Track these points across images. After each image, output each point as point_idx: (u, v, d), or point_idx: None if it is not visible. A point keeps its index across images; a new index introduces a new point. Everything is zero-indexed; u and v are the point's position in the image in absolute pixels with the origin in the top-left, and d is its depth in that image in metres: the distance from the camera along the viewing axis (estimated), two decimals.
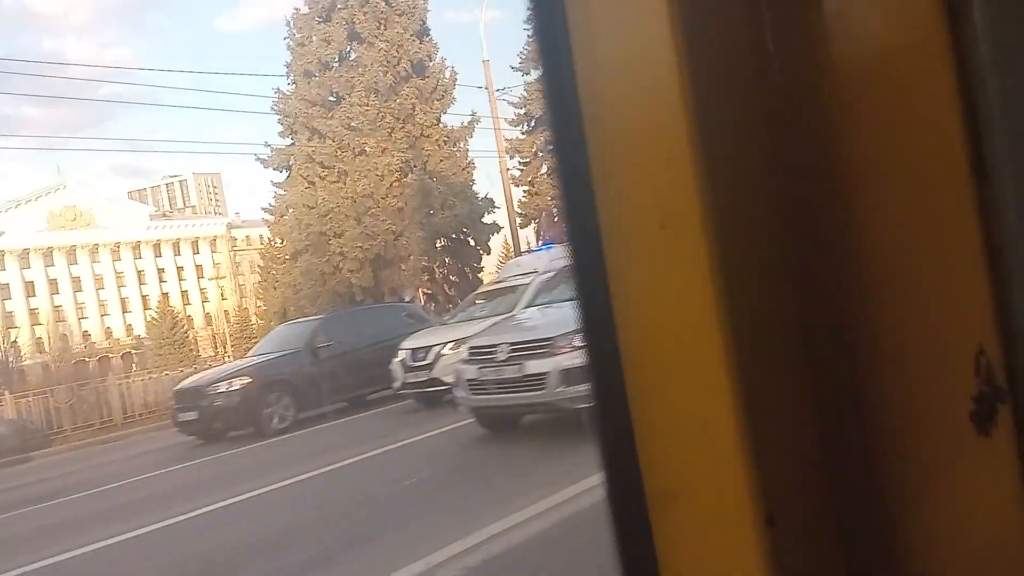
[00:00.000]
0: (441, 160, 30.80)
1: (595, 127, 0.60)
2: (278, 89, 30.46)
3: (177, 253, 77.75)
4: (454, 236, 31.89)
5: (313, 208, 30.11)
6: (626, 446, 0.60)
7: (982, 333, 0.53)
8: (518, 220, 44.84)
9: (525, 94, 41.63)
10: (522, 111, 41.32)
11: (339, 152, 29.60)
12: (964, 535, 0.57)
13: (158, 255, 78.03)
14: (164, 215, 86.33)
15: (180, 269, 78.18)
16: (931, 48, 0.54)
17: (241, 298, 67.85)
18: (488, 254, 34.33)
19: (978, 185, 0.53)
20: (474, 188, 32.41)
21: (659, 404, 0.59)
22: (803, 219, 0.61)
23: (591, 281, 0.62)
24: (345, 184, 29.65)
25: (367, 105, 29.46)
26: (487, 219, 31.63)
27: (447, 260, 33.11)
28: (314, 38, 29.94)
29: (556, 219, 42.96)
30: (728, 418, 0.56)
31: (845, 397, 0.60)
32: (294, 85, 30.56)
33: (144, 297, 75.70)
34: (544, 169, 41.14)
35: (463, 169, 31.80)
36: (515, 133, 41.21)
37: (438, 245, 31.83)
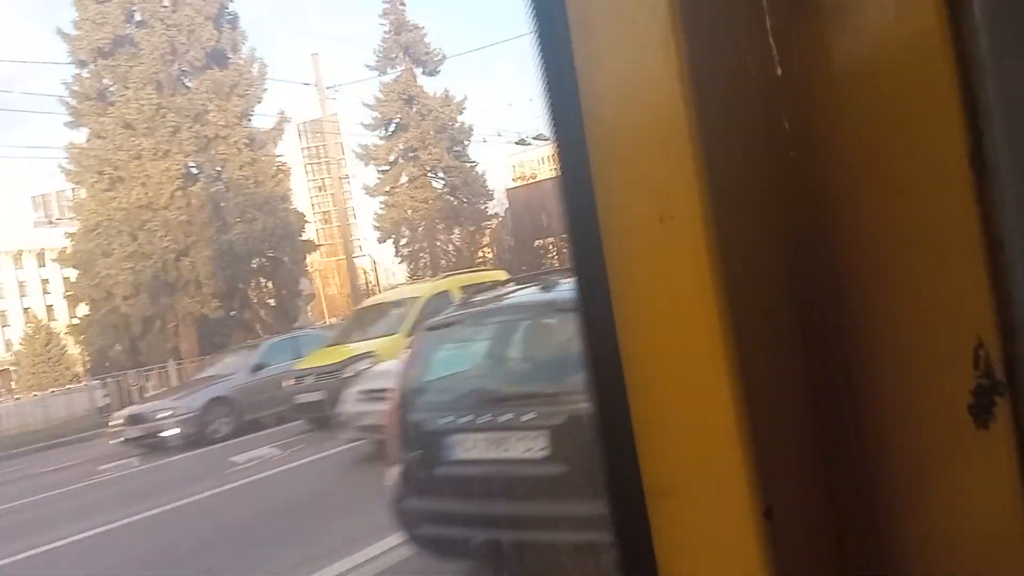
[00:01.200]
0: (241, 167, 26.23)
1: (594, 121, 0.60)
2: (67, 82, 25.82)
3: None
4: (271, 254, 27.25)
5: (82, 220, 25.40)
6: (624, 440, 0.60)
7: (981, 326, 0.54)
8: (376, 235, 39.85)
9: (380, 95, 37.17)
10: (378, 114, 36.69)
11: (115, 154, 24.89)
12: (962, 528, 0.57)
13: (41, 265, 72.23)
14: (51, 222, 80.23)
15: (67, 280, 72.61)
16: (930, 41, 0.54)
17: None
18: (304, 275, 29.97)
19: (977, 178, 0.53)
20: (288, 199, 27.94)
21: (657, 398, 0.59)
22: (802, 212, 0.61)
23: (590, 274, 0.62)
24: (118, 193, 24.92)
25: (143, 100, 24.82)
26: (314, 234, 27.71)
27: (263, 281, 28.54)
28: (88, 20, 25.29)
29: (421, 230, 38.04)
30: (726, 412, 0.56)
31: (843, 390, 0.60)
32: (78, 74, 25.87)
33: (27, 310, 69.82)
34: (404, 178, 36.61)
35: (271, 177, 27.28)
36: (373, 138, 36.70)
37: (254, 264, 27.19)
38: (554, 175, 0.66)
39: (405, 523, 4.30)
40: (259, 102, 27.39)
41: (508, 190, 38.98)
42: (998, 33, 0.52)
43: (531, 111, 38.76)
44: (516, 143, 36.54)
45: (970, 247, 0.53)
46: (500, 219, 41.63)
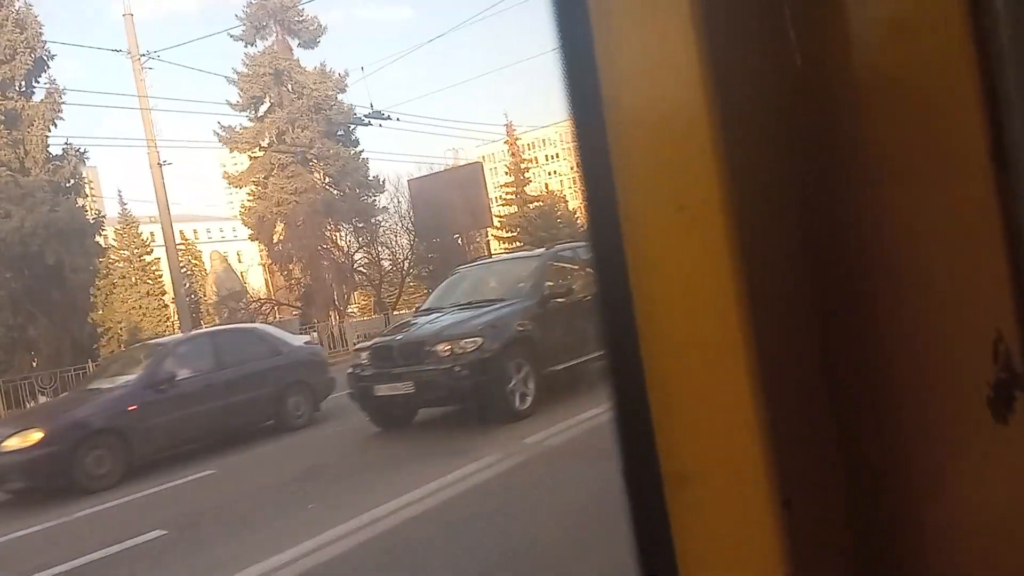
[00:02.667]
0: None
1: (613, 108, 0.60)
2: None
3: None
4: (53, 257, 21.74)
5: None
6: (643, 428, 0.60)
7: (1001, 319, 0.53)
8: (246, 232, 34.08)
9: (246, 69, 31.59)
10: (241, 91, 31.04)
11: None
12: (979, 521, 0.57)
13: None
14: None
15: None
16: (950, 34, 0.53)
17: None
18: (94, 284, 24.57)
19: (997, 171, 0.52)
20: (69, 192, 22.47)
21: (676, 386, 0.59)
22: (821, 203, 0.60)
23: (609, 263, 0.62)
24: None
25: None
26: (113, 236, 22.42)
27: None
28: None
29: (301, 226, 32.29)
30: (745, 401, 0.56)
31: (861, 382, 0.60)
32: None
33: None
34: (277, 168, 31.02)
35: (42, 165, 21.81)
36: (241, 120, 31.14)
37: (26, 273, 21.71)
38: (575, 164, 0.75)
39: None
40: (27, 69, 21.94)
41: (411, 181, 33.79)
42: (1020, 24, 0.52)
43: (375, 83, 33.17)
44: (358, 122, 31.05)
45: (990, 240, 0.53)
46: (400, 212, 36.35)
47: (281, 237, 33.10)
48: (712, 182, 0.56)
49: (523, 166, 45.30)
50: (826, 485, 0.60)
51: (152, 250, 48.07)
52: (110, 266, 44.20)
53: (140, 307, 41.75)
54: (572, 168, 48.23)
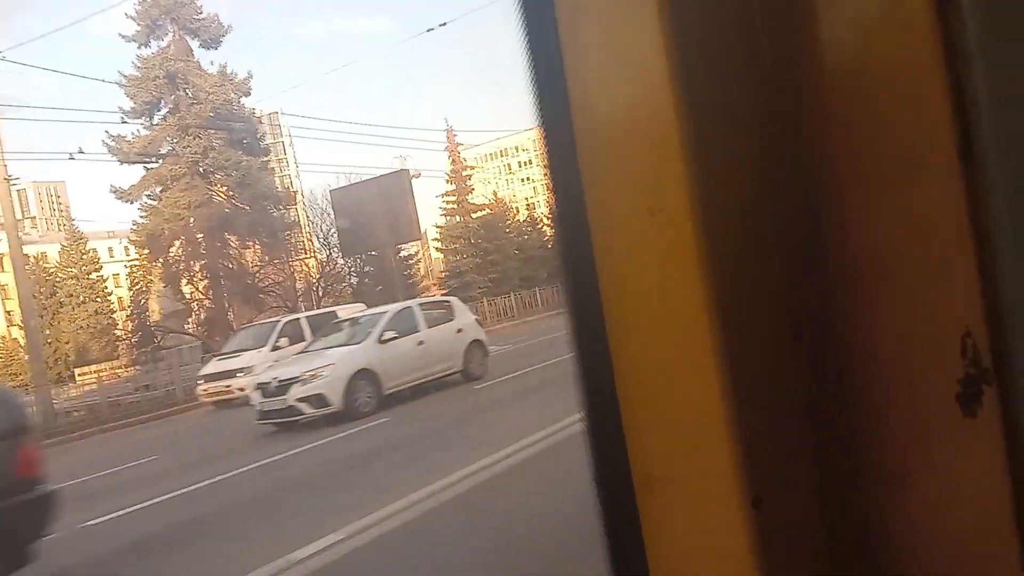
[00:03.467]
0: None
1: (582, 113, 0.60)
2: None
3: None
4: None
5: None
6: (613, 431, 0.60)
7: (969, 315, 0.54)
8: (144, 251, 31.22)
9: (136, 72, 28.77)
10: (133, 94, 28.24)
11: None
12: (949, 515, 0.57)
13: None
14: None
15: None
16: (919, 31, 0.54)
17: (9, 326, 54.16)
18: None
19: (966, 169, 0.53)
20: None
21: (647, 390, 0.60)
22: (792, 203, 0.61)
23: (579, 266, 0.62)
24: None
25: None
26: None
27: None
28: None
29: (198, 243, 29.24)
30: (715, 402, 0.56)
31: (832, 380, 0.60)
32: None
33: None
34: (184, 179, 28.20)
35: None
36: (136, 128, 28.31)
37: None
38: (543, 169, 0.65)
39: None
40: None
41: (332, 191, 31.06)
42: (986, 23, 0.52)
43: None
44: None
45: (958, 237, 0.53)
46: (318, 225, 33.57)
47: (179, 255, 30.27)
48: (683, 186, 0.56)
49: (465, 173, 42.53)
50: (796, 483, 0.60)
51: (101, 267, 45.86)
52: (56, 285, 41.51)
53: (88, 326, 40.03)
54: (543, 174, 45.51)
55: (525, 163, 72.99)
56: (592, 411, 0.63)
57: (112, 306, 40.23)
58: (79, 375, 36.76)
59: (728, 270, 0.57)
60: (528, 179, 58.24)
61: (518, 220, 46.82)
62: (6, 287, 38.16)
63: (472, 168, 42.57)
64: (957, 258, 0.53)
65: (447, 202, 41.09)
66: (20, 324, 26.63)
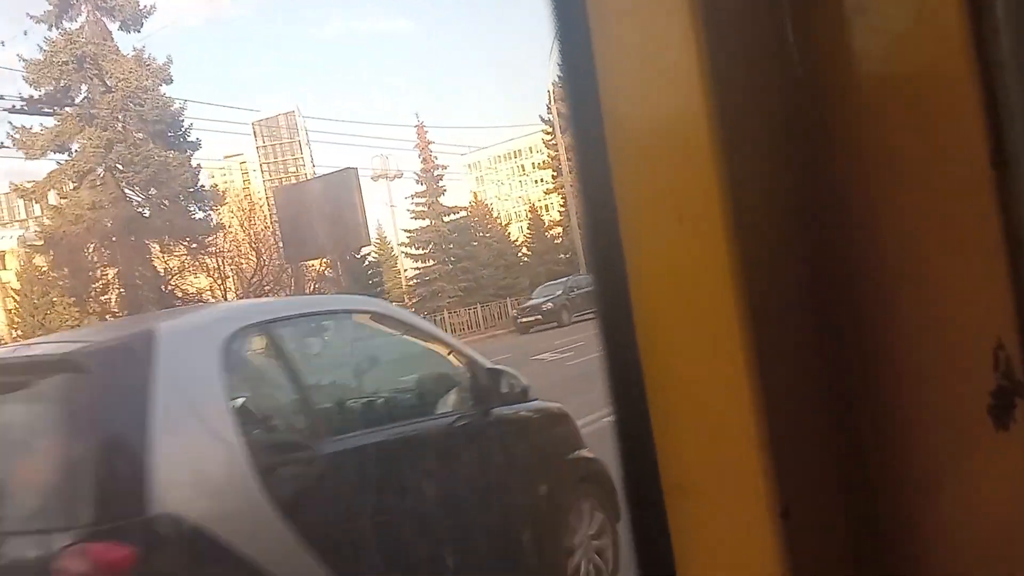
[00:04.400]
0: None
1: (613, 119, 0.60)
2: None
3: None
4: None
5: None
6: (644, 439, 0.60)
7: (1001, 326, 0.53)
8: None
9: (40, 56, 25.67)
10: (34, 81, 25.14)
11: None
12: (979, 529, 0.57)
13: None
14: None
15: None
16: (951, 39, 0.53)
17: None
18: None
19: (998, 177, 0.53)
20: None
21: (676, 397, 0.60)
22: (821, 212, 0.61)
23: (609, 274, 0.62)
24: None
25: None
26: None
27: None
28: None
29: (110, 247, 25.99)
30: (745, 411, 0.56)
31: (861, 391, 0.60)
32: None
33: None
34: (90, 176, 25.12)
35: None
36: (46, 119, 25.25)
37: None
38: (574, 176, 0.61)
39: None
40: None
41: (275, 191, 27.96)
42: (1020, 32, 0.52)
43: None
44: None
45: (991, 247, 0.53)
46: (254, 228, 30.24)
47: (89, 262, 27.13)
48: (712, 193, 0.56)
49: (437, 173, 38.92)
50: (825, 494, 0.60)
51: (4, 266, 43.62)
52: None
53: None
54: (552, 177, 41.25)
55: (539, 164, 69.59)
56: (622, 417, 0.63)
57: None
58: None
59: (758, 278, 0.57)
60: (541, 180, 54.52)
61: (500, 224, 43.28)
62: None
63: (444, 167, 39.05)
64: (989, 268, 0.53)
65: (416, 204, 37.73)
66: None
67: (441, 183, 38.21)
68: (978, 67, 0.52)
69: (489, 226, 42.44)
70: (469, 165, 63.98)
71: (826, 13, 0.58)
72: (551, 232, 44.37)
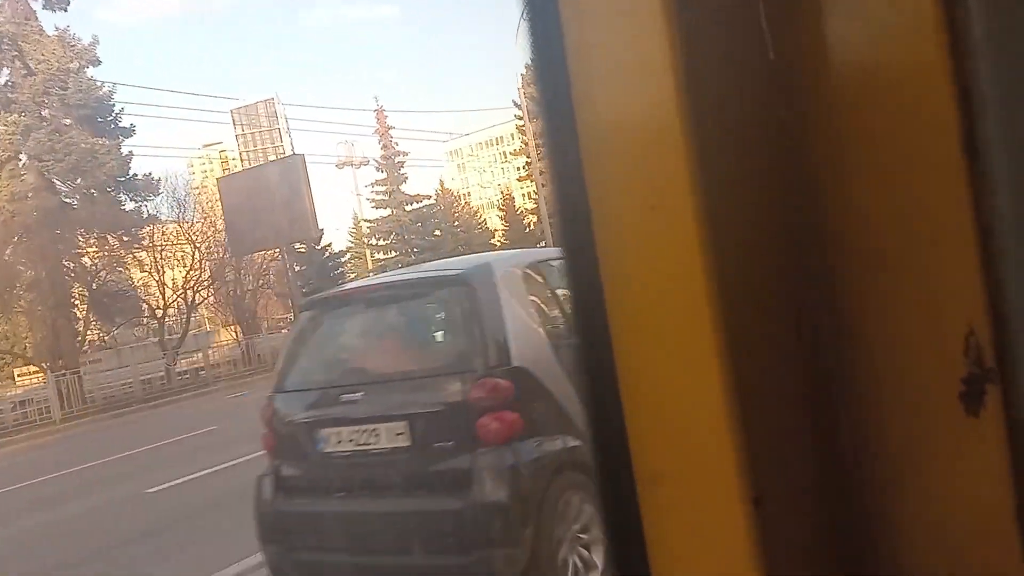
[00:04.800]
0: None
1: (585, 107, 0.60)
2: None
3: None
4: None
5: None
6: (616, 427, 0.60)
7: (973, 314, 0.54)
8: None
9: None
10: None
11: None
12: (952, 516, 0.57)
13: None
14: None
15: None
16: (925, 26, 0.53)
17: None
18: None
19: (970, 165, 0.53)
20: None
21: (648, 385, 0.59)
22: (794, 200, 0.61)
23: (581, 261, 0.62)
24: None
25: None
26: None
27: None
28: None
29: (29, 241, 24.50)
30: (717, 399, 0.56)
31: (834, 378, 0.60)
32: None
33: None
34: (9, 165, 23.57)
35: None
36: None
37: None
38: (545, 162, 0.66)
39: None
40: None
41: (220, 180, 26.33)
42: (993, 19, 0.52)
43: None
44: None
45: (962, 234, 0.53)
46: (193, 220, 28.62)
47: (8, 258, 25.51)
48: (684, 181, 0.56)
49: (398, 160, 37.14)
50: (797, 482, 0.60)
51: None
52: None
53: None
54: (525, 164, 39.85)
55: (514, 152, 68.64)
56: (594, 407, 0.62)
57: None
58: None
59: (729, 266, 0.57)
60: (520, 168, 53.13)
61: (469, 211, 41.52)
62: None
63: (405, 154, 37.24)
64: (961, 256, 0.53)
65: (378, 192, 35.97)
66: None
67: (403, 170, 36.73)
68: (951, 54, 0.52)
69: (457, 214, 40.86)
70: (450, 152, 62.34)
71: (800, 2, 0.58)
72: (525, 220, 42.96)
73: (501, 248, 41.48)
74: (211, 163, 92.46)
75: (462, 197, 44.77)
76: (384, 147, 36.26)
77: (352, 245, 37.55)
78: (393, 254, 36.09)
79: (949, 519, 0.56)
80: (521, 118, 39.88)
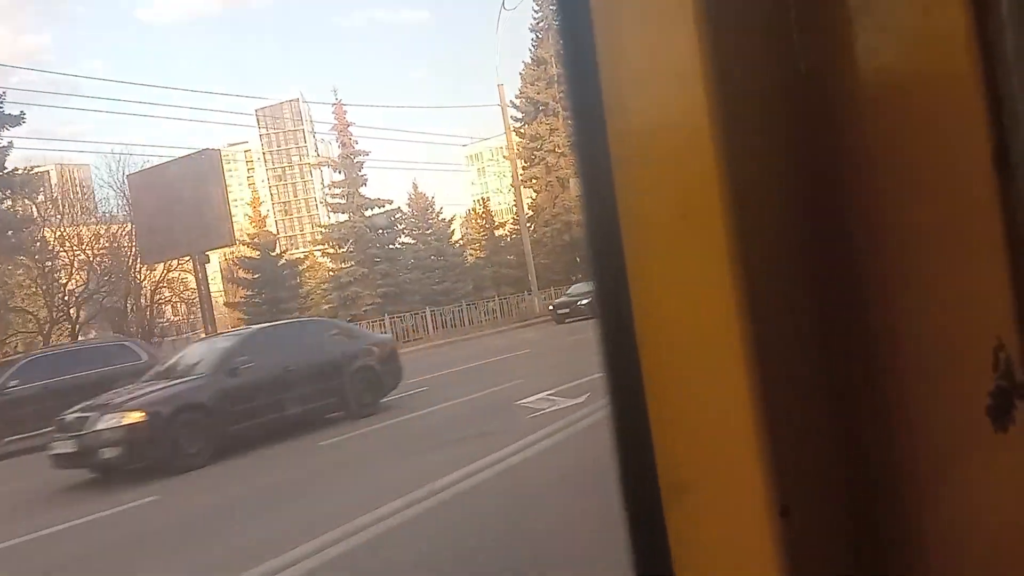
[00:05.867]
0: None
1: (616, 115, 0.60)
2: None
3: None
4: None
5: None
6: (641, 436, 0.60)
7: (1001, 327, 0.53)
8: None
9: None
10: None
11: None
12: (978, 530, 0.57)
13: None
14: None
15: None
16: (956, 40, 0.53)
17: None
18: None
19: (1000, 178, 0.53)
20: None
21: (675, 394, 0.59)
22: (823, 210, 0.60)
23: (610, 269, 0.62)
24: None
25: None
26: None
27: None
28: None
29: None
30: (744, 409, 0.56)
31: (861, 390, 0.60)
32: None
33: None
34: None
35: None
36: None
37: None
38: (576, 169, 0.65)
39: None
40: None
41: (130, 177, 25.26)
42: None
43: None
44: None
45: (992, 247, 0.53)
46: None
47: None
48: (714, 190, 0.56)
49: (357, 160, 36.10)
50: (825, 493, 0.60)
51: None
52: None
53: None
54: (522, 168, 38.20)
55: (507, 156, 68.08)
56: (620, 415, 0.62)
57: None
58: None
59: (758, 277, 0.56)
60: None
61: (441, 220, 40.42)
62: None
63: (365, 154, 36.11)
64: (990, 268, 0.53)
65: (335, 195, 34.88)
66: None
67: (362, 172, 35.57)
68: (982, 67, 0.52)
69: (430, 220, 39.70)
70: (469, 156, 61.07)
71: (831, 11, 0.58)
72: (501, 230, 41.84)
73: (475, 260, 40.56)
74: (234, 163, 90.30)
75: (479, 203, 42.28)
76: (343, 145, 35.10)
77: (306, 255, 36.16)
78: (349, 263, 34.78)
79: (978, 532, 0.56)
80: (518, 120, 37.89)
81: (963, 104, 0.53)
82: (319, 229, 36.05)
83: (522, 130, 38.06)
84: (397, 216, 37.14)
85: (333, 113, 34.77)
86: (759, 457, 0.55)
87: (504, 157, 45.33)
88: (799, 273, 0.60)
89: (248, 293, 34.84)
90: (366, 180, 35.77)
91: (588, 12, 0.60)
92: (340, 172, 35.31)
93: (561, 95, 32.74)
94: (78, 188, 32.12)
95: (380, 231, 35.40)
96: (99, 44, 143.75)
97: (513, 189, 35.93)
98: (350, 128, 34.88)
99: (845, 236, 0.59)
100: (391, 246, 35.87)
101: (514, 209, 40.22)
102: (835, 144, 0.59)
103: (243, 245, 33.72)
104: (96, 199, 29.82)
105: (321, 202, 35.17)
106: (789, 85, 0.60)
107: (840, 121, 0.59)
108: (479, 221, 42.46)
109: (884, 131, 0.57)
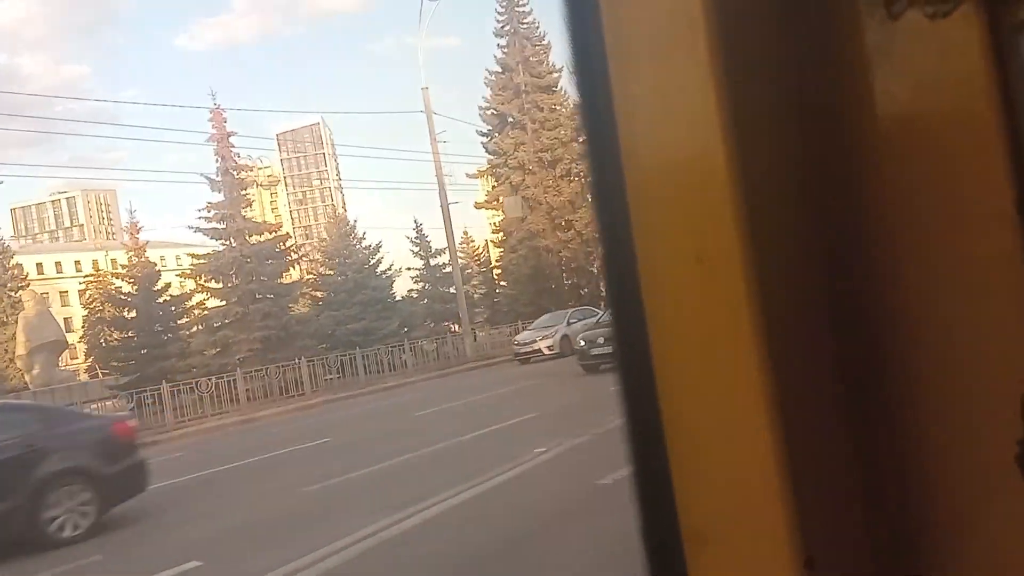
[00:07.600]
0: None
1: (632, 159, 0.60)
2: None
3: None
4: None
5: None
6: (662, 485, 0.59)
7: None
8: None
9: None
10: None
11: None
12: None
13: None
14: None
15: None
16: (975, 82, 0.53)
17: None
18: None
19: (1023, 222, 0.52)
20: None
21: (696, 442, 0.58)
22: (842, 254, 0.60)
23: (627, 313, 0.61)
24: None
25: None
26: None
27: None
28: None
29: None
30: (766, 458, 0.55)
31: (885, 440, 0.59)
32: None
33: None
34: None
35: None
36: None
37: None
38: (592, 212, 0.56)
39: None
40: None
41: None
42: None
43: None
44: None
45: (1017, 293, 0.52)
46: None
47: None
48: (731, 233, 0.55)
49: (240, 176, 28.19)
50: (850, 543, 0.59)
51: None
52: None
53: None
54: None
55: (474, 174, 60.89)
56: (640, 464, 0.61)
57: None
58: None
59: (777, 321, 0.56)
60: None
61: (365, 247, 32.19)
62: None
63: (249, 170, 28.46)
64: (1016, 316, 0.52)
65: (211, 219, 27.09)
66: None
67: (245, 191, 27.82)
68: (1003, 110, 0.51)
69: (355, 245, 31.95)
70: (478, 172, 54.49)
71: (848, 55, 0.57)
72: (440, 257, 33.96)
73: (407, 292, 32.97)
74: (257, 187, 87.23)
75: (415, 227, 35.57)
76: (222, 158, 27.33)
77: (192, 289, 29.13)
78: (227, 301, 27.01)
79: None
80: (485, 134, 35.42)
81: (984, 148, 0.52)
82: (191, 259, 28.32)
83: (488, 145, 35.64)
84: (289, 244, 28.87)
85: (210, 121, 27.03)
86: (782, 508, 0.54)
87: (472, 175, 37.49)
88: (819, 318, 0.58)
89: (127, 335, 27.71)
90: (251, 200, 27.79)
91: (604, 59, 0.59)
92: (218, 191, 27.37)
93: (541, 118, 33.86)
94: None
95: (269, 262, 27.26)
96: (137, 72, 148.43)
97: (442, 209, 27.16)
98: (230, 139, 26.93)
99: (866, 280, 0.58)
100: (280, 280, 27.50)
101: (463, 232, 35.01)
102: (853, 189, 0.58)
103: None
104: None
105: (193, 229, 27.30)
106: (806, 128, 0.59)
107: (858, 166, 0.58)
108: (412, 248, 33.79)
109: (903, 174, 0.56)
